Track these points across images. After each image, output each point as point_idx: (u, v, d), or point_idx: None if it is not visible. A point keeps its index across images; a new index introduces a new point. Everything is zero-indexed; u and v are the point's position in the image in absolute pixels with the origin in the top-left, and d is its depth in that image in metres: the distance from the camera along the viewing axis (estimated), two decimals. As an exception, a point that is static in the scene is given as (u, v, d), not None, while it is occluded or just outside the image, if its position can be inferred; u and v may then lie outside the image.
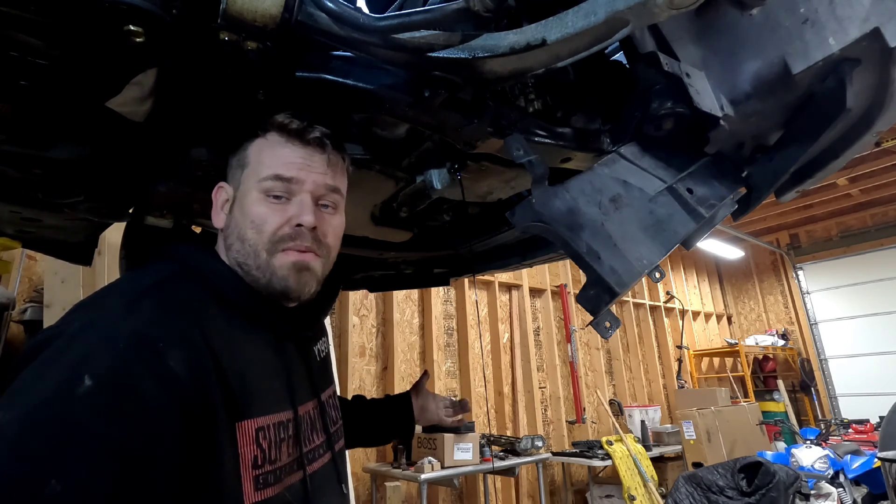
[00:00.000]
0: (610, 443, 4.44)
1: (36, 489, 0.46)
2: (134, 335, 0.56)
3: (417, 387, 1.25)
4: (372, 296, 4.28)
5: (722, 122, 0.83)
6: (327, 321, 3.65)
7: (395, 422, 1.21)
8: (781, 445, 5.11)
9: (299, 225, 0.69)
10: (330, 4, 0.60)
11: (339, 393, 0.97)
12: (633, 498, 4.15)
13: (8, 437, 0.48)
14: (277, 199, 0.70)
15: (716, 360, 8.09)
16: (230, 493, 0.59)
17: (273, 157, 0.70)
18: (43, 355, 0.54)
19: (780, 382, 7.51)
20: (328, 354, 0.93)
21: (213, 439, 0.58)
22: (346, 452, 0.94)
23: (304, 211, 0.70)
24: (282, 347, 0.73)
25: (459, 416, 1.25)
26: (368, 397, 1.23)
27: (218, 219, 0.75)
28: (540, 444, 4.00)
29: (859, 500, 4.09)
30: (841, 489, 3.92)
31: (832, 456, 4.08)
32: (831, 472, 3.98)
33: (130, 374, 0.53)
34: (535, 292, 5.75)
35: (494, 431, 4.71)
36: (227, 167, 0.76)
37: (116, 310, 0.59)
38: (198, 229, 1.04)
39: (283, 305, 0.74)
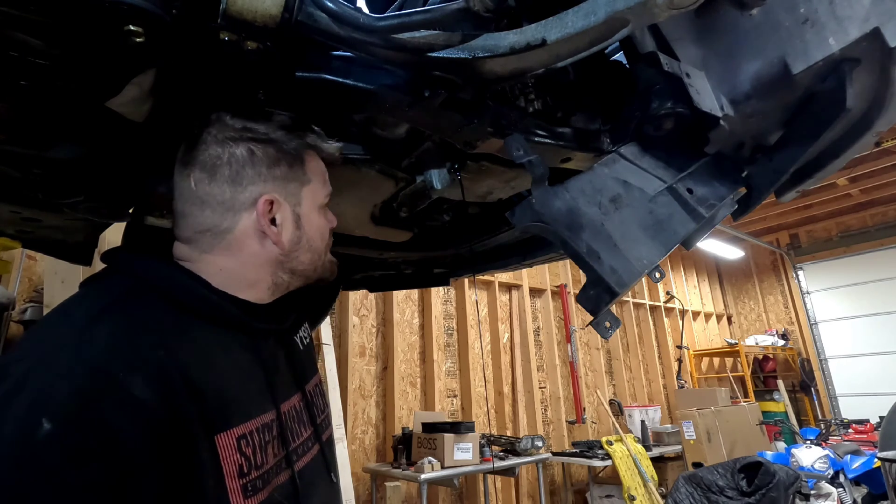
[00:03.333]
0: (610, 443, 4.45)
1: None
2: (90, 368, 0.52)
3: None
4: (372, 296, 4.29)
5: (722, 122, 0.83)
6: (327, 321, 3.67)
7: None
8: (781, 445, 5.11)
9: (332, 228, 0.83)
10: (330, 4, 0.60)
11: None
12: (633, 498, 4.15)
13: None
14: None
15: (716, 360, 8.09)
16: None
17: (324, 174, 0.80)
18: None
19: (780, 382, 7.52)
20: (311, 341, 0.93)
21: (192, 459, 0.56)
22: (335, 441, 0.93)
23: (332, 216, 0.83)
24: (259, 346, 0.72)
25: None
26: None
27: (277, 235, 0.72)
28: (540, 444, 4.00)
29: (859, 500, 4.09)
30: (841, 489, 3.92)
31: (832, 456, 4.08)
32: (831, 472, 3.98)
33: (92, 410, 0.50)
34: (535, 292, 5.75)
35: (494, 431, 4.72)
36: (264, 178, 0.71)
37: (68, 341, 0.55)
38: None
39: (255, 304, 0.73)
